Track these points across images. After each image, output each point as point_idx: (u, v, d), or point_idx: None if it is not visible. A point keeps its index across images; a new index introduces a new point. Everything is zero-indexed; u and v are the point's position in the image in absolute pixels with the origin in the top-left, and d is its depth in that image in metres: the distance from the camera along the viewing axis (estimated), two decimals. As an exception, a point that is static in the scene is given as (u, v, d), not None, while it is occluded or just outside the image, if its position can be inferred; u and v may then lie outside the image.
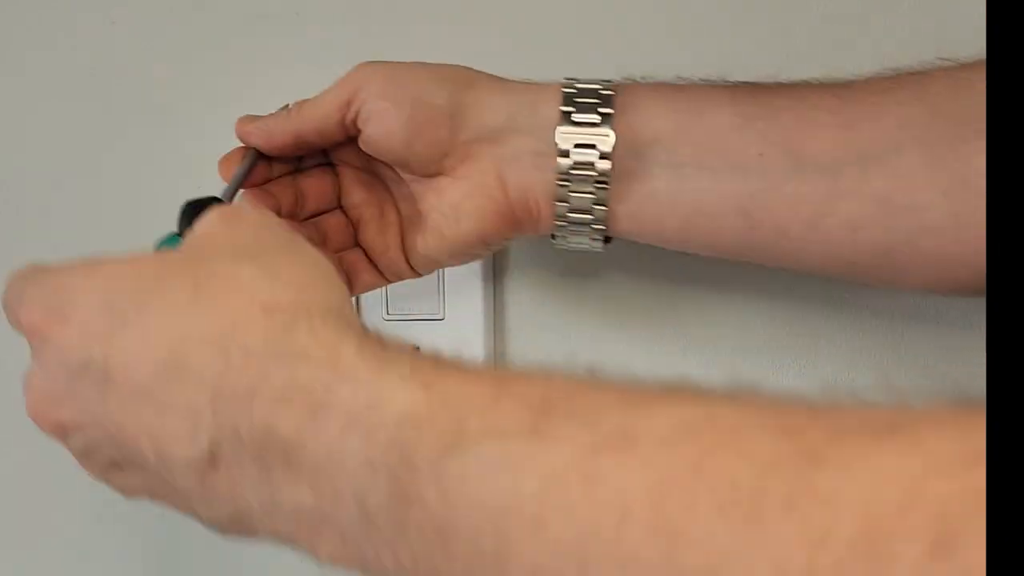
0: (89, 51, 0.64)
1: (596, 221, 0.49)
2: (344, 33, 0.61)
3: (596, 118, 0.47)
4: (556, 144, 0.47)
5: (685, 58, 0.57)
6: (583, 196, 0.48)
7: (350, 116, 0.49)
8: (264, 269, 0.36)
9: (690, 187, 0.47)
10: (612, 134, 0.47)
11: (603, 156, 0.47)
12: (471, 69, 0.50)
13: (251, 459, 0.33)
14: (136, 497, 0.40)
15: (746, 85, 0.49)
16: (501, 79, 0.50)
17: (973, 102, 0.44)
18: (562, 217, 0.49)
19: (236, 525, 0.36)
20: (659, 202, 0.48)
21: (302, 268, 0.37)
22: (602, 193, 0.48)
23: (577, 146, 0.47)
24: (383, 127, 0.48)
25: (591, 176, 0.47)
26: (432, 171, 0.50)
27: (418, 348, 0.33)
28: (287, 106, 0.52)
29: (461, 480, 0.26)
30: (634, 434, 0.24)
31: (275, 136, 0.50)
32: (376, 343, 0.33)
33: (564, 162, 0.47)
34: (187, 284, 0.35)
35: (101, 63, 0.64)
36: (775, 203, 0.46)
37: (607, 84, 0.49)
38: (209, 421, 0.33)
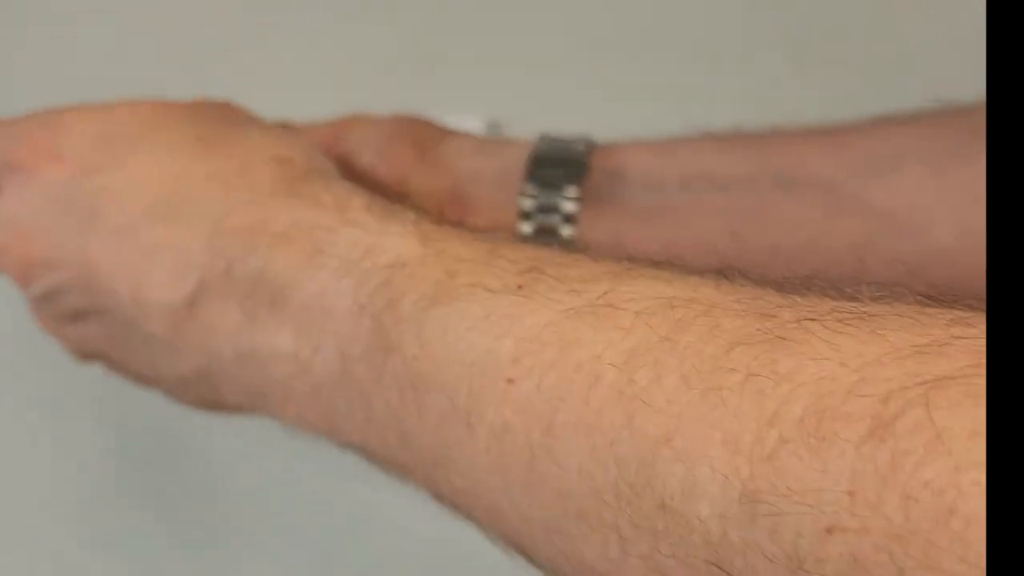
0: (89, 51, 0.64)
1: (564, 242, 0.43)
2: (344, 32, 0.60)
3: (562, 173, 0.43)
4: (518, 206, 0.43)
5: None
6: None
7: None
8: (275, 137, 0.36)
9: (673, 205, 0.43)
10: (577, 191, 0.42)
11: (567, 219, 0.42)
12: (441, 128, 0.46)
13: (237, 300, 0.32)
14: (87, 353, 0.39)
15: (728, 131, 0.46)
16: (474, 138, 0.47)
17: (978, 117, 0.41)
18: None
19: (201, 381, 0.35)
20: (638, 221, 0.43)
21: (313, 149, 0.37)
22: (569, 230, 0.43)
23: (541, 211, 0.42)
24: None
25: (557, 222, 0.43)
26: None
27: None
28: None
29: (442, 332, 0.27)
30: (615, 304, 0.24)
31: None
32: (385, 202, 0.33)
33: (526, 227, 0.43)
34: (190, 131, 0.35)
35: (101, 63, 0.64)
36: (768, 221, 0.42)
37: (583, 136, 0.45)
38: (201, 260, 0.33)
